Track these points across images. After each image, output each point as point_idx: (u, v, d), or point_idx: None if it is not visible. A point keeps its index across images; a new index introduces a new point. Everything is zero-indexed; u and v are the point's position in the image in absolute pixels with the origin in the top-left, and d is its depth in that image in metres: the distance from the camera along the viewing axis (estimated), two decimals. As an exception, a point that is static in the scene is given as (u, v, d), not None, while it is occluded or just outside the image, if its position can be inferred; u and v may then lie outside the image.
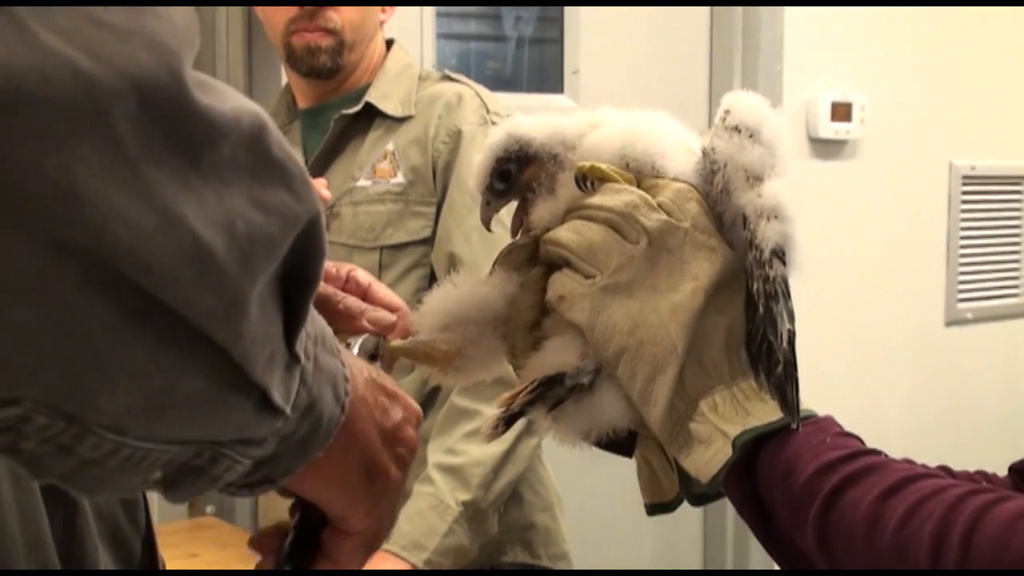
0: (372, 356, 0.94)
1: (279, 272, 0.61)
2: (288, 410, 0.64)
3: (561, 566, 2.07)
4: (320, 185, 2.06)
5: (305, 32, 2.06)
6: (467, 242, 1.99)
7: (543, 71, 3.14)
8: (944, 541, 0.74)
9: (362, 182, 2.08)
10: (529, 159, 0.95)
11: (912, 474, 0.81)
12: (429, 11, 2.84)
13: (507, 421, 0.89)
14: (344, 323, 0.97)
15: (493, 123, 2.04)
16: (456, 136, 2.04)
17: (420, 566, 1.69)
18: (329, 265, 1.05)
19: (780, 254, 0.87)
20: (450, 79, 2.15)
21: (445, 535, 1.79)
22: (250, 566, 2.07)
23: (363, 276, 1.05)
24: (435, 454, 1.89)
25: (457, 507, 1.83)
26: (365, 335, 0.95)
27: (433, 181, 2.05)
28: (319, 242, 0.64)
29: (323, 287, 0.99)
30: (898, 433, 3.39)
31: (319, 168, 2.12)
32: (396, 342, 0.96)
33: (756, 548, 3.24)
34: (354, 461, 0.77)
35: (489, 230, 1.00)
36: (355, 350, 0.92)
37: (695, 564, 3.39)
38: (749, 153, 0.89)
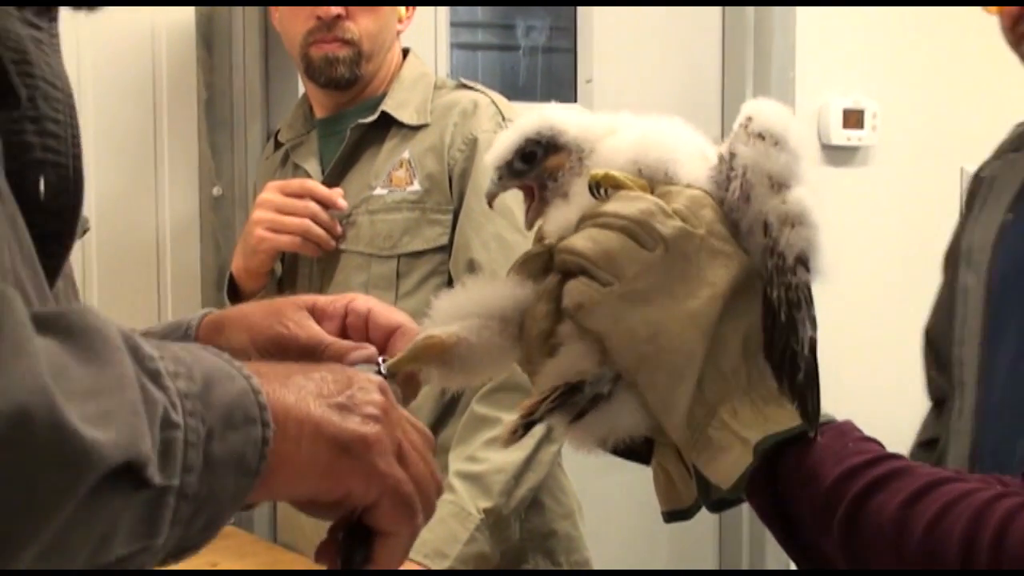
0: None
1: None
2: (175, 482, 0.66)
3: (582, 574, 2.08)
4: (336, 195, 2.07)
5: (323, 43, 2.07)
6: (486, 249, 1.99)
7: (556, 80, 3.15)
8: (973, 545, 0.74)
9: (379, 191, 2.08)
10: (557, 148, 0.96)
11: (937, 478, 0.81)
12: (443, 22, 2.85)
13: (526, 427, 0.89)
14: None
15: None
16: (472, 144, 2.04)
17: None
18: (326, 300, 1.07)
19: (804, 261, 0.88)
20: (466, 87, 2.16)
21: (467, 543, 1.80)
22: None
23: (362, 304, 1.07)
24: (456, 462, 1.89)
25: (479, 515, 1.83)
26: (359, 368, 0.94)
27: (450, 189, 2.05)
28: None
29: (307, 337, 1.02)
30: (912, 439, 3.38)
31: (335, 178, 2.12)
32: (392, 359, 0.97)
33: (772, 551, 3.25)
34: (313, 448, 0.77)
35: (491, 207, 1.00)
36: None
37: (711, 567, 3.39)
38: (775, 160, 0.89)
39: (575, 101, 3.07)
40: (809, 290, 0.89)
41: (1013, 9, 1.75)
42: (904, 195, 3.49)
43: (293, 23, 2.11)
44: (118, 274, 2.36)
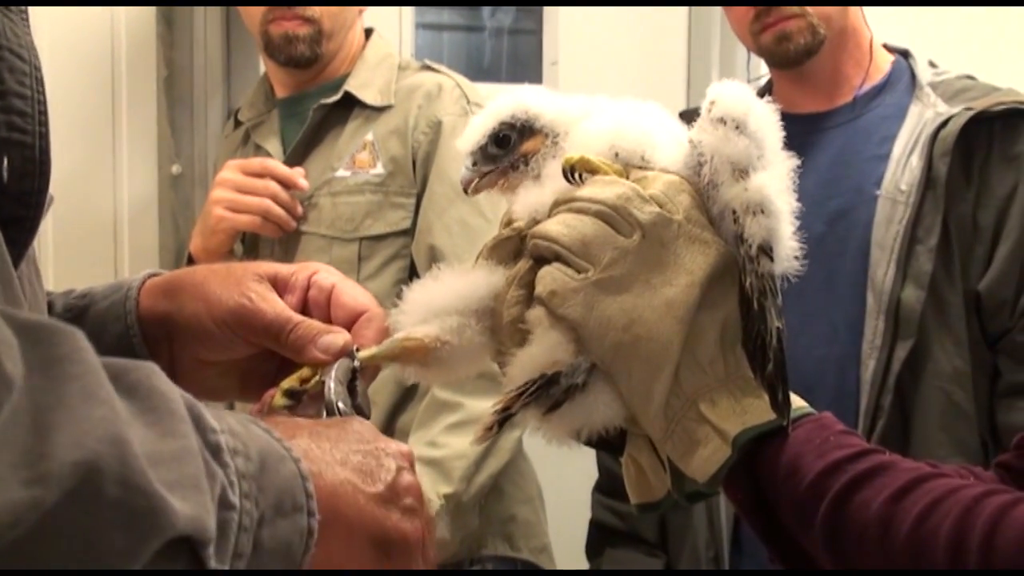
0: (351, 385, 0.90)
1: None
2: (225, 566, 0.62)
3: (542, 559, 2.06)
4: (297, 175, 2.04)
5: (283, 20, 2.04)
6: (448, 234, 1.97)
7: (521, 61, 3.12)
8: (962, 543, 0.73)
9: (341, 172, 2.05)
10: (533, 132, 0.93)
11: (922, 474, 0.80)
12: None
13: (501, 423, 0.87)
14: (296, 354, 0.94)
15: (474, 113, 2.01)
16: (436, 127, 2.02)
17: None
18: (288, 271, 1.01)
19: (767, 250, 0.85)
20: (430, 69, 2.13)
21: None
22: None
23: (326, 278, 1.01)
24: (417, 447, 1.87)
25: (439, 500, 1.81)
26: (338, 362, 0.91)
27: (413, 172, 2.02)
28: None
29: (273, 313, 0.95)
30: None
31: (297, 158, 2.09)
32: (367, 351, 0.93)
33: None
34: (359, 546, 0.74)
35: (467, 193, 0.97)
36: (331, 380, 0.88)
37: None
38: (734, 145, 0.87)
39: (540, 82, 3.04)
40: (774, 279, 0.86)
41: (739, 9, 1.89)
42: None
43: (258, 5, 2.07)
44: (75, 252, 2.32)
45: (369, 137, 2.05)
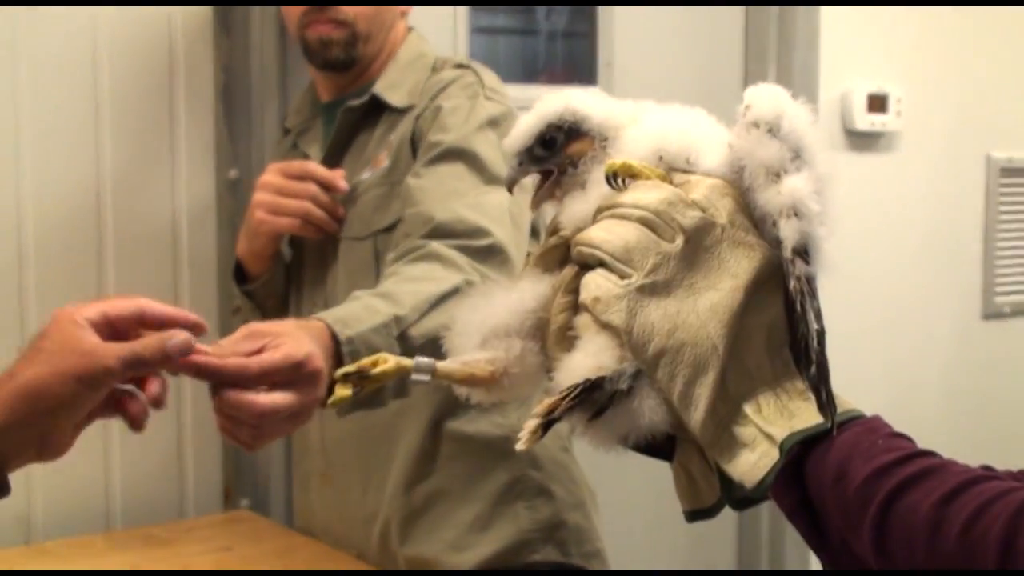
0: None
1: None
2: None
3: (594, 564, 2.03)
4: (337, 176, 2.01)
5: (317, 24, 2.02)
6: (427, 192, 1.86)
7: (576, 63, 3.12)
8: (1012, 546, 0.72)
9: (365, 174, 2.02)
10: (579, 135, 0.93)
11: (971, 477, 0.78)
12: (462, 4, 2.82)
13: (545, 427, 0.87)
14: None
15: (488, 98, 1.96)
16: (436, 112, 1.96)
17: (341, 339, 1.46)
18: (110, 306, 1.14)
19: (802, 252, 0.85)
20: (463, 67, 2.07)
21: (372, 329, 1.53)
22: (285, 561, 2.06)
23: (129, 306, 1.15)
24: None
25: (387, 313, 1.58)
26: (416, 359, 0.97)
27: (413, 156, 1.96)
28: None
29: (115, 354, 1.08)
30: (934, 427, 3.36)
31: (331, 163, 2.06)
32: (443, 364, 0.95)
33: (792, 548, 3.22)
34: None
35: (510, 192, 0.97)
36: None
37: (729, 561, 3.37)
38: (767, 149, 0.87)
39: (595, 84, 3.03)
40: (811, 281, 0.86)
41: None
42: (929, 180, 3.46)
43: (290, 5, 2.06)
44: (135, 257, 2.35)
45: (392, 138, 2.01)
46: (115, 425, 1.14)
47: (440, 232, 1.76)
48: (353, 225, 2.01)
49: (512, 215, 1.85)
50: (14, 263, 2.25)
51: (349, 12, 2.01)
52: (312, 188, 2.00)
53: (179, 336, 1.12)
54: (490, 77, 2.03)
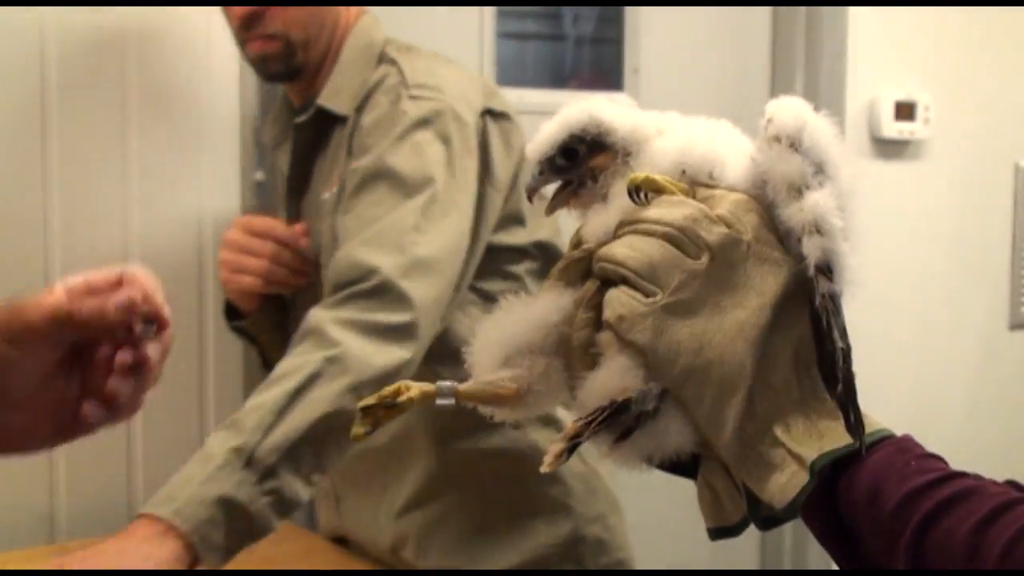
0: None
1: None
2: None
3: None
4: (298, 234, 1.96)
5: (251, 42, 1.93)
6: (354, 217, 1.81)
7: (604, 69, 3.11)
8: None
9: (326, 194, 1.93)
10: (603, 147, 0.92)
11: (1009, 500, 0.77)
12: (489, 10, 2.81)
13: (571, 450, 0.86)
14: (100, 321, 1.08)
15: (412, 97, 1.85)
16: (359, 130, 1.88)
17: (169, 518, 1.44)
18: (100, 276, 1.14)
19: (824, 270, 0.84)
20: (391, 62, 1.93)
21: (202, 483, 1.50)
22: (307, 562, 2.05)
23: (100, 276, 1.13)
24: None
25: (223, 455, 1.54)
26: (438, 383, 0.94)
27: None
28: None
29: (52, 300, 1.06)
30: (960, 438, 3.34)
31: (298, 184, 1.99)
32: (465, 386, 0.93)
33: (814, 556, 3.20)
34: None
35: (531, 201, 0.96)
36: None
37: (752, 565, 3.36)
38: (788, 163, 0.85)
39: (622, 91, 3.03)
40: (835, 299, 0.84)
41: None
42: (957, 188, 3.43)
43: (229, 23, 1.97)
44: (161, 257, 2.35)
45: (342, 155, 1.91)
46: (138, 423, 1.13)
47: (338, 283, 1.72)
48: (315, 250, 1.96)
49: (441, 203, 1.79)
50: (39, 267, 2.26)
51: (278, 23, 1.90)
52: (271, 248, 1.94)
53: (122, 295, 1.11)
54: (418, 71, 1.89)
